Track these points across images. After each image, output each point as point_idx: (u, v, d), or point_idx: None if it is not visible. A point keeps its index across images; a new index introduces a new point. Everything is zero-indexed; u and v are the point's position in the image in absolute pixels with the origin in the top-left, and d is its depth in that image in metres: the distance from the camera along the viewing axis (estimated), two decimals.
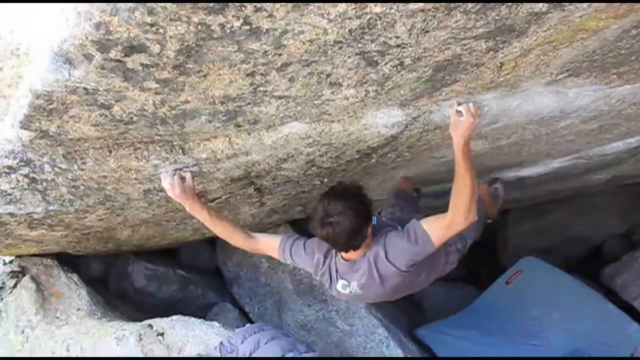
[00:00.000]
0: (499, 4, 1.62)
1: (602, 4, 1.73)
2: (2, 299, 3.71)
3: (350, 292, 2.58)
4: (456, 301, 5.40)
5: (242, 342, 3.04)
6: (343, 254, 2.52)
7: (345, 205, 2.35)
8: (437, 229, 2.42)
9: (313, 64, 1.78)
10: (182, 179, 2.50)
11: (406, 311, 5.00)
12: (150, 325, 3.42)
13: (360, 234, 2.40)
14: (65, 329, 3.55)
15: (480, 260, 7.21)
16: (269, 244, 2.74)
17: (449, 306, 5.29)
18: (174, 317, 3.50)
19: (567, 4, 1.69)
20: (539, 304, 4.94)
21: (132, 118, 1.97)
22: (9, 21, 2.34)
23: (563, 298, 4.95)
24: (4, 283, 3.73)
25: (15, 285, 3.71)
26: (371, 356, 4.02)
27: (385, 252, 2.46)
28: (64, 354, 3.42)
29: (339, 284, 2.59)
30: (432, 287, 5.47)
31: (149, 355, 3.27)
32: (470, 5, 1.59)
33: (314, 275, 2.70)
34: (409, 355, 4.15)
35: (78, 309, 3.69)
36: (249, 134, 2.38)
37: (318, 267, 2.62)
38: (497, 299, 5.15)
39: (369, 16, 1.54)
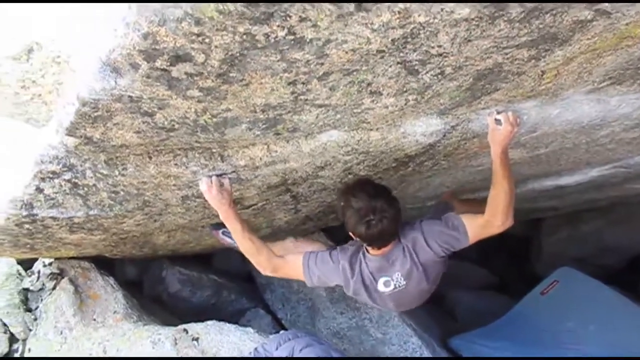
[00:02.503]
0: (543, 12, 1.60)
1: None
2: (42, 300, 3.80)
3: (395, 286, 2.55)
4: (489, 310, 5.33)
5: (277, 349, 3.03)
6: (375, 250, 2.52)
7: (383, 199, 2.39)
8: (473, 225, 2.46)
9: (354, 72, 1.78)
10: (221, 184, 2.51)
11: (439, 320, 4.96)
12: (185, 330, 3.46)
13: (400, 220, 2.47)
14: (102, 331, 3.60)
15: (514, 269, 7.13)
16: (293, 262, 2.71)
17: (482, 315, 5.22)
18: (209, 322, 3.53)
19: (613, 11, 1.66)
20: (575, 315, 4.83)
21: (173, 125, 1.99)
22: (51, 30, 2.40)
23: (600, 310, 4.83)
24: (44, 284, 3.81)
25: (54, 287, 3.79)
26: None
27: (424, 237, 2.49)
28: (101, 356, 3.47)
29: (380, 284, 2.56)
30: (465, 295, 5.50)
31: None
32: (514, 14, 1.57)
33: (345, 289, 2.68)
34: None
35: (114, 312, 3.75)
36: (287, 141, 2.39)
37: (346, 275, 2.61)
38: (532, 310, 5.06)
39: (412, 26, 1.53)
